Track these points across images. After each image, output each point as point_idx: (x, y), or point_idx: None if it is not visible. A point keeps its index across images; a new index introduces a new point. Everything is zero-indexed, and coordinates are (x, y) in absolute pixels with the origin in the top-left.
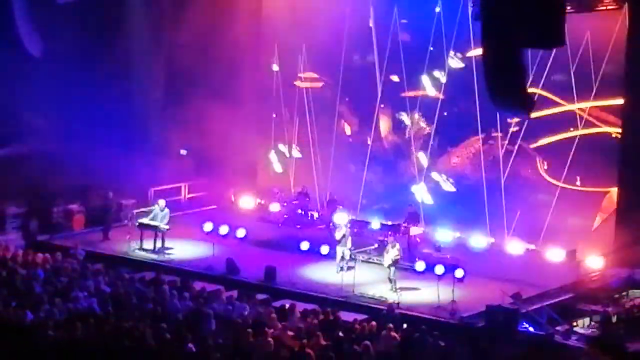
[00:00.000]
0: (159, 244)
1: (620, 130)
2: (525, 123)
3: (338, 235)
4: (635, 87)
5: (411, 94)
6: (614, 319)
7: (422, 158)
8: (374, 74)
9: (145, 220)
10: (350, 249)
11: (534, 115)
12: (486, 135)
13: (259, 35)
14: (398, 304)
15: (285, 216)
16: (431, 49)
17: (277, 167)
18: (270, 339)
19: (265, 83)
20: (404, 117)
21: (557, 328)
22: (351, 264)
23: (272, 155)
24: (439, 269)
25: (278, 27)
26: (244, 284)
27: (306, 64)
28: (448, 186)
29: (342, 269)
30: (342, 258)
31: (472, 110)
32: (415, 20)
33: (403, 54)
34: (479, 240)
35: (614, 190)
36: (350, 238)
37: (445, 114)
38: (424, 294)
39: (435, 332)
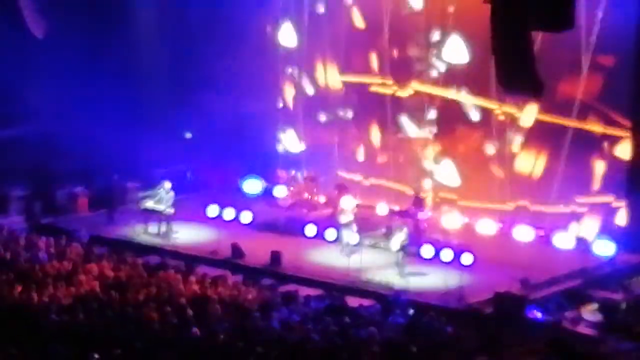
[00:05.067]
0: (163, 228)
1: None
2: None
3: (344, 219)
4: None
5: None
6: (624, 306)
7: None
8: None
9: (150, 204)
10: (358, 233)
11: None
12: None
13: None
14: (405, 289)
15: (291, 200)
16: None
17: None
18: (275, 324)
19: (273, 62)
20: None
21: (566, 314)
22: (355, 249)
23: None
24: (447, 255)
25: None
26: (250, 268)
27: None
28: (453, 180)
29: (348, 252)
30: (347, 243)
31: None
32: None
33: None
34: (487, 226)
35: None
36: (354, 223)
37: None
38: (431, 279)
39: (443, 318)
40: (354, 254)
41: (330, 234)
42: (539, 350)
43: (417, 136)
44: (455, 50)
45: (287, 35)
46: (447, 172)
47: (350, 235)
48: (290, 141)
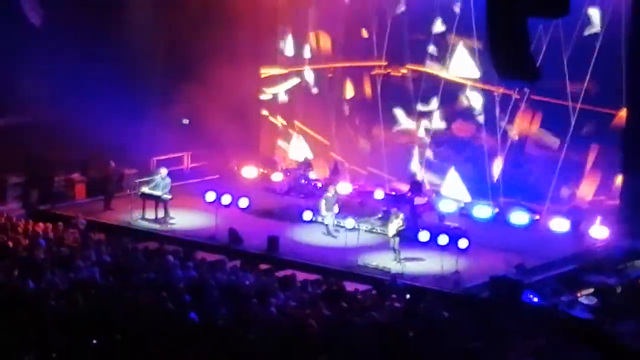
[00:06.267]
0: (161, 214)
1: None
2: None
3: (327, 200)
4: None
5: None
6: (619, 289)
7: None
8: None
9: (146, 190)
10: (336, 214)
11: None
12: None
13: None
14: (402, 274)
15: (288, 186)
16: None
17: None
18: (273, 309)
19: (269, 48)
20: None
21: (562, 299)
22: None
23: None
24: (443, 239)
25: None
26: (247, 254)
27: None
28: (463, 195)
29: (329, 233)
30: (332, 223)
31: None
32: None
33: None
34: (483, 210)
35: None
36: (336, 204)
37: None
38: (428, 264)
39: (439, 303)
40: (337, 235)
41: (327, 219)
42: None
43: (412, 127)
44: (463, 64)
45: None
46: (455, 186)
47: (334, 216)
48: (297, 149)
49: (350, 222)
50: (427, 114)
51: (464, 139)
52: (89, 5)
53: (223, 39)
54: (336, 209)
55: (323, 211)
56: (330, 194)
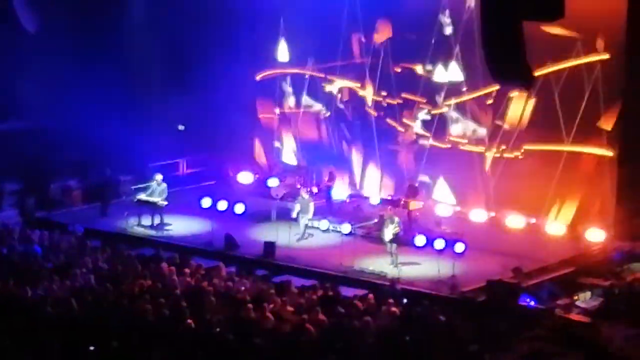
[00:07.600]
0: (157, 220)
1: None
2: None
3: (297, 207)
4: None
5: None
6: (616, 292)
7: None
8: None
9: (142, 196)
10: (310, 219)
11: None
12: None
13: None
14: (398, 278)
15: (284, 191)
16: None
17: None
18: (269, 315)
19: (267, 52)
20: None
21: (558, 302)
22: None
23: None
24: (439, 244)
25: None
26: (243, 259)
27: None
28: (450, 199)
29: (303, 237)
30: (306, 226)
31: None
32: None
33: None
34: (479, 214)
35: None
36: (312, 205)
37: None
38: (424, 268)
39: (436, 307)
40: (309, 238)
41: (323, 224)
42: (537, 338)
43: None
44: (451, 74)
45: (282, 51)
46: (443, 192)
47: (306, 219)
48: (288, 154)
49: (346, 227)
50: (424, 120)
51: (457, 147)
52: (86, 11)
53: (220, 45)
54: (311, 212)
55: (294, 214)
56: (303, 197)
